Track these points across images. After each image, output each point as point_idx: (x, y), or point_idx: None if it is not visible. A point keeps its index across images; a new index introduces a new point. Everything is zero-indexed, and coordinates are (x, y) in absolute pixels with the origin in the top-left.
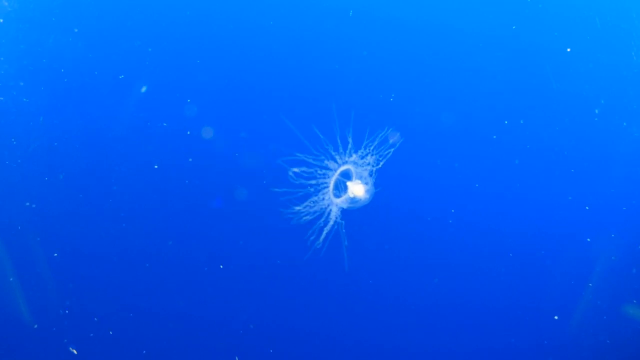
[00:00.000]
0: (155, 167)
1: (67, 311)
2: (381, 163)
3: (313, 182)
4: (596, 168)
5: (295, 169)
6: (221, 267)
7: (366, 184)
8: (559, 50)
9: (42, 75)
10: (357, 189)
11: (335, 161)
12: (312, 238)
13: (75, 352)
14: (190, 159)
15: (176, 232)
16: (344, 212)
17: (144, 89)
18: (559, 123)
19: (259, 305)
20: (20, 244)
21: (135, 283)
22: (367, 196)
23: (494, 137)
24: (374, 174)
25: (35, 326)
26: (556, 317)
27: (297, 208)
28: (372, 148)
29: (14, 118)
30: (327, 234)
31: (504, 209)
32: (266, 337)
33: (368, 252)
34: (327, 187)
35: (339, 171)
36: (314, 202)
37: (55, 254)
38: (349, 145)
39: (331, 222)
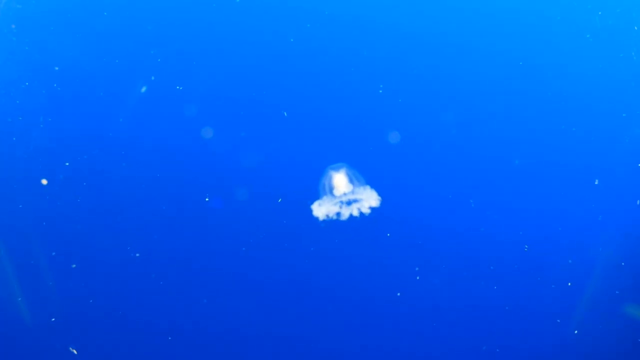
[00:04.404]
0: (207, 199)
1: (67, 311)
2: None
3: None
4: (596, 168)
5: None
6: (220, 266)
7: (353, 180)
8: (558, 50)
9: (42, 75)
10: (340, 181)
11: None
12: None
13: (75, 352)
14: (207, 199)
15: (176, 232)
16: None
17: (144, 89)
18: (559, 123)
19: (258, 306)
20: (20, 244)
21: (136, 283)
22: (351, 189)
23: (492, 137)
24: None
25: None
26: (558, 320)
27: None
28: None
29: (14, 118)
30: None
31: (503, 208)
32: (265, 339)
33: (368, 253)
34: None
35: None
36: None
37: (53, 254)
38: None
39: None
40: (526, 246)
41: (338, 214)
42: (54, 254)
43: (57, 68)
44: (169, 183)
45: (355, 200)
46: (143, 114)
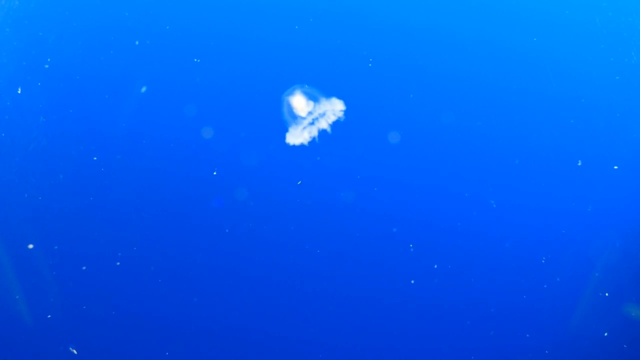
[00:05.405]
0: (215, 172)
1: (67, 311)
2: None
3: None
4: (596, 168)
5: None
6: (217, 265)
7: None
8: (559, 50)
9: (42, 75)
10: (299, 102)
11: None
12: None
13: (75, 352)
14: (215, 172)
15: (176, 231)
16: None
17: (144, 89)
18: (559, 123)
19: (258, 307)
20: (20, 244)
21: (136, 283)
22: (310, 109)
23: (492, 136)
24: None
25: (49, 316)
26: (557, 319)
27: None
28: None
29: (14, 118)
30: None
31: (503, 208)
32: (265, 339)
33: (370, 253)
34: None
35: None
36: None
37: (56, 247)
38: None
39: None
40: (544, 258)
41: (313, 134)
42: (56, 247)
43: (47, 66)
44: (169, 183)
45: (321, 115)
46: (143, 113)
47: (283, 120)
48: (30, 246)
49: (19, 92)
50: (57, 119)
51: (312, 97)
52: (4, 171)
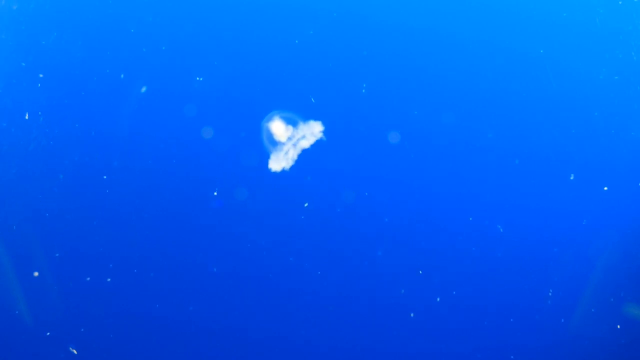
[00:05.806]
0: (215, 193)
1: (67, 311)
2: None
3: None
4: (595, 168)
5: None
6: (217, 268)
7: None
8: (558, 50)
9: (42, 75)
10: (279, 129)
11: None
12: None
13: (75, 352)
14: (215, 193)
15: (176, 232)
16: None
17: (144, 89)
18: (559, 123)
19: (258, 307)
20: (20, 244)
21: (136, 283)
22: (290, 135)
23: (492, 136)
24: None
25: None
26: (558, 319)
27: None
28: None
29: (14, 118)
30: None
31: (503, 208)
32: (265, 340)
33: (369, 254)
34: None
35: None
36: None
37: (57, 254)
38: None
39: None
40: (550, 291)
41: (294, 157)
42: (57, 254)
43: (41, 75)
44: (169, 183)
45: (301, 137)
46: (143, 113)
47: (287, 119)
48: (36, 274)
49: (27, 117)
50: (57, 119)
51: (290, 121)
52: (4, 171)
